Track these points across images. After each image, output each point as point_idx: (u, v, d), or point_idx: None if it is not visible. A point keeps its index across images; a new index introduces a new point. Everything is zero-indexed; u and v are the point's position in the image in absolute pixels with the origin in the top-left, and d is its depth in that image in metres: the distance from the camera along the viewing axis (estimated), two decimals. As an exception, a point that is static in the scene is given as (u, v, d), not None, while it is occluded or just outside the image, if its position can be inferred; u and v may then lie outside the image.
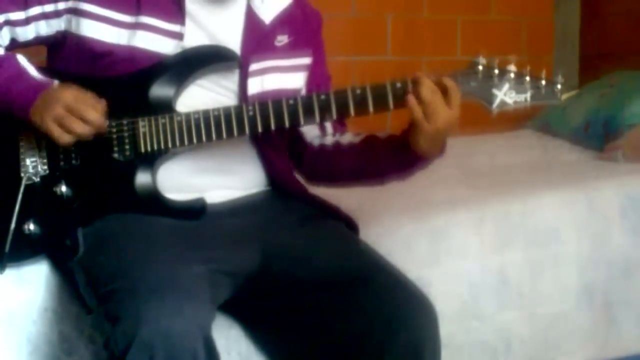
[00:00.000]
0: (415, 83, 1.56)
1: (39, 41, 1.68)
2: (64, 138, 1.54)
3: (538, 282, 2.25)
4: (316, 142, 1.79)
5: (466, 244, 2.17)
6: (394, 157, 1.68)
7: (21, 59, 1.63)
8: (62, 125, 1.52)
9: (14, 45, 1.67)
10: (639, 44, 3.47)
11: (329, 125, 1.80)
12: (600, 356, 2.34)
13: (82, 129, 1.53)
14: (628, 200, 2.41)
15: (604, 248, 2.35)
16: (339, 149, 1.76)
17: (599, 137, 3.03)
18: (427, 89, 1.55)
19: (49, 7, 1.64)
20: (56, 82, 1.59)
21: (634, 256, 2.39)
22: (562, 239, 2.30)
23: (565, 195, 2.37)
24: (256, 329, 1.70)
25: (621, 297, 2.37)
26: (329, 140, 1.78)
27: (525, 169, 2.78)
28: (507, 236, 2.23)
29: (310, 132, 1.79)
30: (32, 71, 1.62)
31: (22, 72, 1.60)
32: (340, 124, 1.80)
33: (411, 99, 1.55)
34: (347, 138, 1.77)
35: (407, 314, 1.52)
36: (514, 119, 3.37)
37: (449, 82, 1.57)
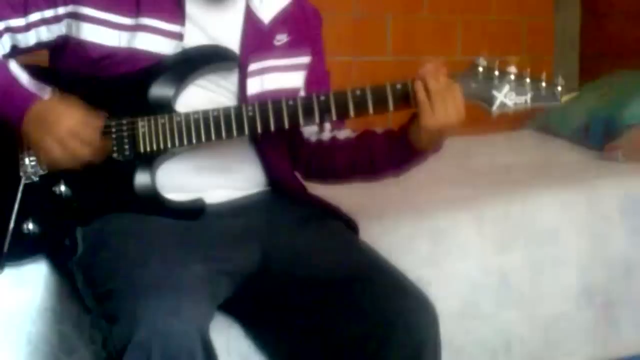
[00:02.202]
0: (421, 78, 1.56)
1: (40, 46, 1.67)
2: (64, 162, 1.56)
3: (538, 282, 2.25)
4: (313, 138, 1.78)
5: (466, 244, 2.17)
6: (390, 151, 1.68)
7: (13, 67, 1.62)
8: (65, 148, 1.54)
9: (16, 52, 1.66)
10: (639, 44, 3.47)
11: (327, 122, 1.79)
12: (600, 356, 2.34)
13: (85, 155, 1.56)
14: (628, 200, 2.42)
15: (604, 248, 2.36)
16: (335, 143, 1.76)
17: (599, 137, 3.02)
18: (435, 81, 1.55)
19: (48, 13, 1.63)
20: (47, 95, 1.59)
21: (634, 256, 2.39)
22: (562, 239, 2.30)
23: (565, 196, 2.37)
24: (256, 329, 1.70)
25: (621, 297, 2.37)
26: (326, 135, 1.78)
27: (525, 169, 2.78)
28: (507, 236, 2.23)
29: (309, 127, 1.78)
30: (24, 80, 1.61)
31: (13, 82, 1.59)
32: (339, 122, 1.80)
33: (419, 86, 1.55)
34: (345, 133, 1.77)
35: (407, 314, 1.52)
36: (514, 119, 3.36)
37: (451, 82, 1.57)
